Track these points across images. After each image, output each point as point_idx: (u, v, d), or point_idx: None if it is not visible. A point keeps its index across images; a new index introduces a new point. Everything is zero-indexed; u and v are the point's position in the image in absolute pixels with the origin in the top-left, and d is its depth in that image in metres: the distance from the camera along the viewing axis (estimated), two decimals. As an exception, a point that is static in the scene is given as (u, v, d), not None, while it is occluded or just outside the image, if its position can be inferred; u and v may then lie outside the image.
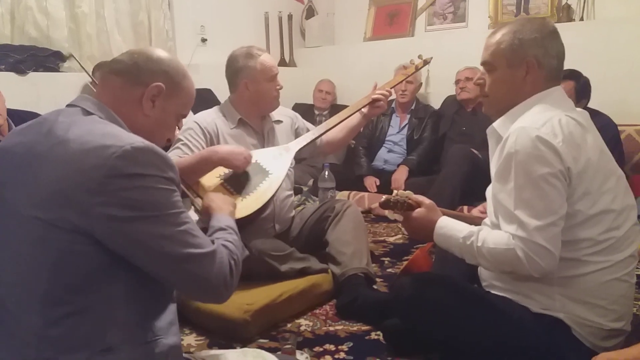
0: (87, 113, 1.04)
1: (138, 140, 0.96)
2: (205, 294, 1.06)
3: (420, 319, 1.48)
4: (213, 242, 1.06)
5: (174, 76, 1.13)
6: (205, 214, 1.33)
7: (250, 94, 2.16)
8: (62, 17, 3.48)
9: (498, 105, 1.48)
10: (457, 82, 3.49)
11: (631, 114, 3.09)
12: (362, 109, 2.32)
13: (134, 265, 0.97)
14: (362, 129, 2.78)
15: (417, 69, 2.45)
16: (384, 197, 1.52)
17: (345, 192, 3.41)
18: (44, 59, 3.39)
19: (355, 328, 1.83)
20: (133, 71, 1.09)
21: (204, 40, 4.22)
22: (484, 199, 2.94)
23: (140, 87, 1.09)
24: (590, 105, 2.84)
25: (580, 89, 2.77)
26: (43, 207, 0.93)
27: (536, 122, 1.31)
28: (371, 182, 3.51)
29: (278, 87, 2.19)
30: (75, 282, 0.94)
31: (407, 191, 1.53)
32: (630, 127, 3.02)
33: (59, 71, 3.43)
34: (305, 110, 4.04)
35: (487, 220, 1.51)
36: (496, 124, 1.46)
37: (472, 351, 1.47)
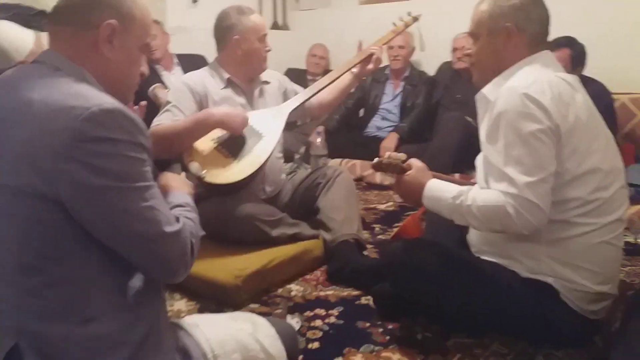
0: (55, 69, 0.97)
1: (107, 102, 0.89)
2: (164, 274, 0.98)
3: (410, 284, 1.49)
4: (178, 219, 1.00)
5: (121, 7, 1.02)
6: (163, 192, 1.20)
7: (241, 52, 2.11)
8: (46, -25, 3.36)
9: (484, 73, 1.49)
10: (454, 50, 3.43)
11: (626, 82, 3.07)
12: (353, 69, 2.27)
13: None
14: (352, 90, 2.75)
15: (407, 25, 2.41)
16: (376, 159, 1.52)
17: (337, 160, 3.39)
18: (30, 18, 3.28)
19: (345, 293, 1.85)
20: (77, 16, 1.00)
21: (194, 1, 4.10)
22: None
23: (91, 30, 0.99)
24: (584, 73, 2.81)
25: (576, 56, 2.73)
26: (9, 173, 0.88)
27: (525, 82, 1.33)
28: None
29: (267, 49, 2.15)
30: (47, 251, 0.89)
31: (400, 153, 1.52)
32: (624, 96, 3.00)
33: (43, 31, 3.33)
34: (298, 75, 3.98)
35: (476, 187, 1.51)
36: (485, 90, 1.48)
37: (461, 316, 1.49)
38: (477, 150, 2.92)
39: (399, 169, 1.51)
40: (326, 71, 4.20)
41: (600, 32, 3.07)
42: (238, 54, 2.12)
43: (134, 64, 1.07)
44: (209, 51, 3.75)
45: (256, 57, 2.13)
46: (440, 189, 1.45)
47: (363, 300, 1.79)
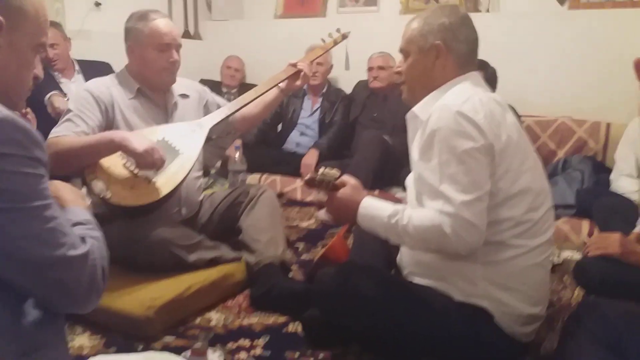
0: None
1: None
2: (72, 303, 0.86)
3: (343, 312, 1.41)
4: (84, 240, 0.87)
5: (10, 1, 0.87)
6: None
7: (136, 60, 1.95)
8: None
9: (415, 91, 1.49)
10: (369, 69, 3.47)
11: (531, 105, 3.25)
12: (280, 84, 2.18)
13: None
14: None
15: (336, 43, 2.38)
16: (309, 174, 1.43)
17: (257, 175, 3.26)
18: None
19: (271, 320, 1.72)
20: None
21: (97, 4, 3.80)
22: (395, 184, 3.01)
23: None
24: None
25: (488, 79, 2.84)
26: None
27: (458, 100, 1.32)
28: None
29: (171, 60, 1.94)
30: None
31: (334, 170, 1.44)
32: (530, 118, 3.17)
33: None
34: (212, 87, 3.74)
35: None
36: (416, 108, 1.46)
37: (395, 343, 1.43)
38: (395, 166, 2.97)
39: (332, 186, 1.44)
40: (242, 84, 4.08)
41: (507, 56, 3.23)
42: (135, 63, 1.96)
43: (25, 66, 0.92)
44: (114, 59, 3.51)
45: (152, 67, 1.94)
46: (375, 207, 1.40)
47: (291, 328, 1.68)
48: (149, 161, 1.72)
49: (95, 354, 1.48)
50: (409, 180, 1.53)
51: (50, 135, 1.77)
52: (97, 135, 1.79)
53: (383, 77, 3.40)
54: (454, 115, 1.28)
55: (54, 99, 2.65)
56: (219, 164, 3.39)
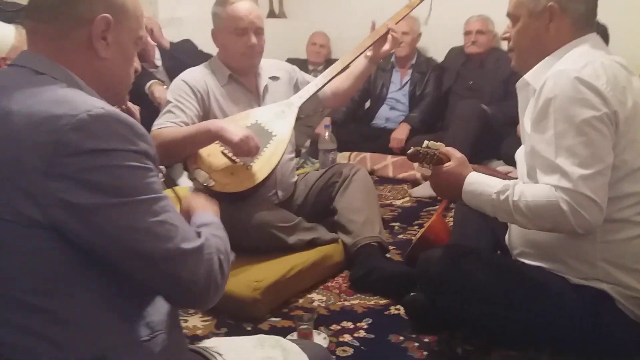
0: (36, 73, 0.83)
1: (96, 106, 0.76)
2: (190, 298, 0.86)
3: (451, 296, 1.36)
4: (199, 234, 0.86)
5: (117, 1, 0.88)
6: (185, 216, 1.06)
7: (219, 45, 1.97)
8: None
9: (525, 58, 1.37)
10: (467, 33, 3.28)
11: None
12: (367, 52, 2.09)
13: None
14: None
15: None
16: (413, 148, 1.35)
17: (346, 153, 3.24)
18: (13, 14, 3.09)
19: (372, 302, 1.72)
20: (62, 11, 0.85)
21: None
22: (496, 157, 2.86)
23: (82, 27, 0.85)
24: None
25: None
26: None
27: (576, 64, 1.21)
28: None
29: (249, 44, 1.91)
30: (41, 284, 0.77)
31: (439, 142, 1.37)
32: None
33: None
34: (299, 66, 3.80)
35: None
36: (527, 76, 1.35)
37: (507, 328, 1.37)
38: (495, 139, 2.82)
39: (436, 160, 1.36)
40: (328, 60, 4.04)
41: (620, 12, 2.92)
42: (219, 49, 1.98)
43: (128, 60, 0.94)
44: (203, 43, 3.62)
45: (231, 52, 1.94)
46: (482, 183, 1.31)
47: (393, 310, 1.66)
48: (245, 149, 1.75)
49: (207, 335, 1.56)
50: (519, 154, 1.43)
51: (153, 128, 1.85)
52: (195, 125, 1.84)
53: (482, 42, 3.21)
54: (572, 82, 1.17)
55: (154, 89, 2.77)
56: (308, 143, 3.42)
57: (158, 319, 0.86)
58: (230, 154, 1.83)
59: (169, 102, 1.92)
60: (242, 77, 2.02)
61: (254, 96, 2.05)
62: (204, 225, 0.94)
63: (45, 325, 0.77)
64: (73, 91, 0.81)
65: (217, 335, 1.56)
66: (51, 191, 0.73)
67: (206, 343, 1.05)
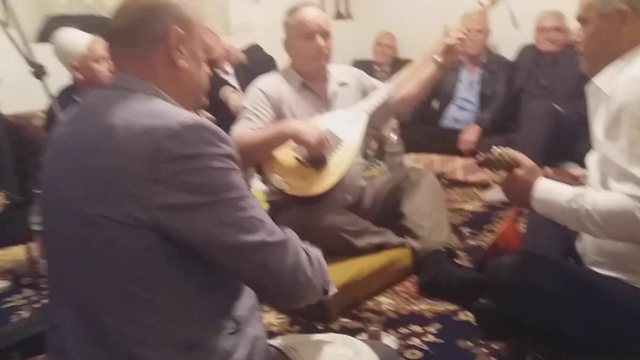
0: (129, 92, 0.94)
1: (186, 117, 0.87)
2: (280, 291, 0.93)
3: (522, 305, 1.36)
4: (284, 231, 0.94)
5: (178, 12, 0.98)
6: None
7: (290, 52, 2.05)
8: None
9: (595, 62, 1.34)
10: (540, 30, 3.16)
11: None
12: (436, 57, 2.09)
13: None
14: None
15: (493, 2, 2.11)
16: (481, 154, 1.36)
17: (413, 155, 3.24)
18: (99, 27, 3.32)
19: (441, 307, 1.74)
20: (140, 34, 0.95)
21: (257, -1, 4.05)
22: (570, 159, 2.76)
23: (158, 45, 0.96)
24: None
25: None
26: (102, 204, 0.86)
27: None
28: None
29: (315, 46, 1.98)
30: (146, 278, 0.87)
31: (508, 148, 1.37)
32: None
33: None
34: (364, 66, 3.81)
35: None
36: (598, 81, 1.32)
37: (578, 338, 1.35)
38: (569, 140, 2.72)
39: (506, 166, 1.36)
40: (394, 60, 4.04)
41: None
42: (290, 55, 2.06)
43: (201, 66, 1.04)
44: (272, 49, 3.72)
45: (300, 55, 2.02)
46: (552, 191, 1.29)
47: (462, 316, 1.68)
48: (319, 149, 1.80)
49: (282, 332, 1.64)
50: (591, 161, 1.40)
51: (231, 133, 1.96)
52: (270, 128, 1.92)
53: (558, 39, 3.08)
54: None
55: (229, 96, 2.90)
56: (375, 145, 3.44)
57: (243, 315, 0.95)
58: (303, 159, 1.90)
59: (245, 109, 2.02)
60: (312, 83, 2.09)
61: (324, 102, 2.11)
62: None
63: (148, 315, 0.87)
64: (162, 104, 0.92)
65: (290, 332, 1.64)
66: (152, 194, 0.83)
67: (282, 340, 1.13)
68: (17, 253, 2.20)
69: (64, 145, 0.94)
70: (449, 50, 2.04)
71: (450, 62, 2.11)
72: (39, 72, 2.22)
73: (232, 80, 3.23)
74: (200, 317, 0.90)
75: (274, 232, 0.90)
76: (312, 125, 1.90)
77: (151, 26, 0.95)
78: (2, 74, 2.10)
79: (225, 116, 2.32)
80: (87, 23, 3.18)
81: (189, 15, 0.99)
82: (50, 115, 2.55)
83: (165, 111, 0.88)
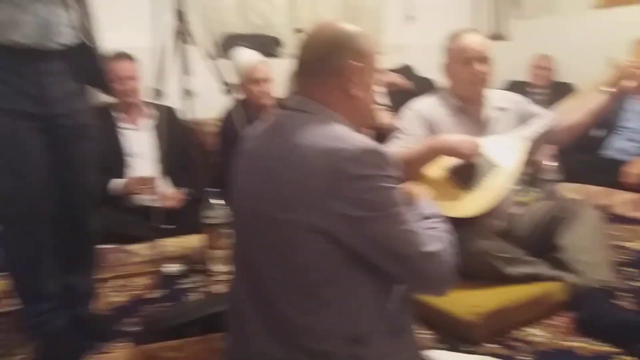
0: (311, 115, 1.08)
1: (363, 142, 1.00)
2: (427, 290, 1.15)
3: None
4: (439, 239, 1.07)
5: (357, 46, 1.10)
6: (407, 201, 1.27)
7: (448, 76, 2.09)
8: (282, 4, 3.71)
9: None
10: None
11: None
12: (606, 87, 1.99)
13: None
14: None
15: None
16: None
17: (571, 185, 3.05)
18: (264, 45, 3.63)
19: (598, 348, 1.65)
20: (322, 66, 1.09)
21: (409, 17, 4.14)
22: None
23: (336, 75, 1.09)
24: None
25: None
26: (289, 211, 1.01)
27: None
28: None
29: (473, 71, 2.00)
30: (324, 277, 1.02)
31: None
32: None
33: (276, 56, 3.65)
34: (518, 88, 3.72)
35: None
36: None
37: None
38: None
39: None
40: (552, 83, 3.88)
41: None
42: (448, 79, 2.09)
43: (371, 92, 1.15)
44: (425, 68, 3.78)
45: (459, 80, 2.05)
46: None
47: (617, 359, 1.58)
48: (473, 163, 1.83)
49: (428, 348, 1.68)
50: None
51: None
52: (423, 143, 1.96)
53: None
54: None
55: (381, 115, 3.01)
56: (529, 170, 3.31)
57: (402, 320, 1.09)
58: (454, 178, 1.93)
59: (398, 129, 2.10)
60: (469, 107, 2.11)
61: (479, 127, 2.11)
62: (428, 217, 1.16)
63: (321, 309, 1.02)
64: (341, 128, 1.06)
65: (438, 349, 1.67)
66: (331, 206, 0.98)
67: (431, 354, 1.21)
68: (190, 241, 2.48)
69: (258, 157, 1.12)
70: (621, 80, 1.94)
71: (623, 93, 2.00)
72: (228, 89, 2.54)
73: (383, 98, 3.35)
74: (364, 314, 1.03)
75: (427, 243, 1.03)
76: (466, 136, 1.92)
77: (331, 60, 1.09)
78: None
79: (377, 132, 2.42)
80: (256, 42, 3.54)
81: (365, 48, 1.11)
82: (225, 124, 2.88)
83: (344, 135, 1.03)
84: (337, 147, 0.99)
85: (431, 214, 1.18)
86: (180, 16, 2.34)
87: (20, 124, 1.60)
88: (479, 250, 1.89)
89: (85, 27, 1.69)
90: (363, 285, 1.04)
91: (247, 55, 3.06)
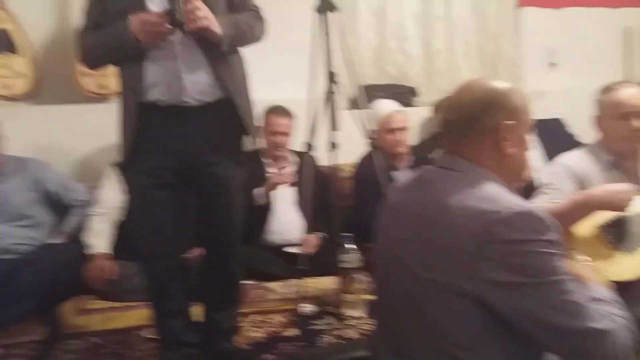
0: (461, 173, 1.06)
1: (516, 204, 0.95)
2: None
3: None
4: (610, 318, 0.95)
5: (510, 105, 1.06)
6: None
7: (601, 130, 1.97)
8: (418, 55, 3.79)
9: None
10: None
11: None
12: None
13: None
14: None
15: None
16: None
17: None
18: (401, 95, 3.72)
19: None
20: (474, 126, 1.07)
21: (552, 64, 3.99)
22: None
23: (489, 135, 1.06)
24: None
25: None
26: (434, 270, 0.99)
27: None
28: None
29: (631, 128, 1.87)
30: (465, 340, 0.98)
31: None
32: None
33: (411, 105, 3.72)
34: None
35: None
36: None
37: None
38: None
39: None
40: None
41: None
42: (601, 134, 1.98)
43: (525, 148, 1.11)
44: (566, 112, 3.58)
45: (613, 136, 1.92)
46: None
47: None
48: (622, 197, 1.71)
49: None
50: None
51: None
52: (571, 199, 1.84)
53: None
54: None
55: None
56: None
57: None
58: (606, 238, 1.79)
59: (546, 184, 2.01)
60: (623, 162, 1.97)
61: (634, 183, 1.95)
62: (599, 300, 1.02)
63: None
64: (491, 187, 1.02)
65: None
66: (480, 269, 0.94)
67: None
68: (324, 283, 2.56)
69: (403, 211, 1.13)
70: None
71: None
72: (370, 137, 2.64)
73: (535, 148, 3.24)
74: None
75: (593, 318, 0.93)
76: (619, 185, 1.78)
77: (483, 121, 1.07)
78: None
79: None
80: (393, 91, 3.64)
81: (517, 104, 1.09)
82: (360, 170, 2.99)
83: (495, 196, 0.99)
84: (488, 209, 0.96)
85: (604, 297, 1.04)
86: (332, 77, 2.47)
87: (161, 179, 1.80)
88: (637, 319, 1.72)
89: (227, 83, 1.81)
90: (505, 352, 0.98)
91: (385, 105, 3.17)
